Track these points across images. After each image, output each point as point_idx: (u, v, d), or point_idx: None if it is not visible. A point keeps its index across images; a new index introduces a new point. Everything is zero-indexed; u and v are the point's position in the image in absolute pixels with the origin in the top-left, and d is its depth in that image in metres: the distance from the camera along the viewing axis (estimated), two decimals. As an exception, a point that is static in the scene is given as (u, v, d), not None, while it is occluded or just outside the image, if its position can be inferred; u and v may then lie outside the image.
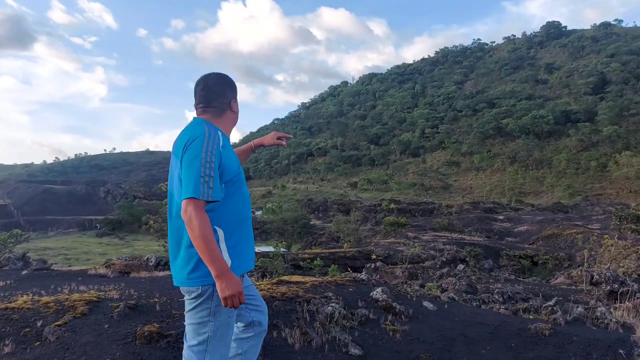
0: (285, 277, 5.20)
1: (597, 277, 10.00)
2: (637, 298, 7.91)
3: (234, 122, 2.50)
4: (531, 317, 5.74)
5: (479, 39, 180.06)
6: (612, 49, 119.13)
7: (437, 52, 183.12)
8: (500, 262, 23.69)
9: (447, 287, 11.21)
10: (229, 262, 2.29)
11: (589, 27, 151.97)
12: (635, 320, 5.58)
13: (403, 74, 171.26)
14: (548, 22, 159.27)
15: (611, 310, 6.09)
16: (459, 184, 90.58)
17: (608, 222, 28.34)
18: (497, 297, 8.86)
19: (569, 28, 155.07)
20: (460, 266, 19.37)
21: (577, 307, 5.81)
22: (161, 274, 6.41)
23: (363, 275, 5.30)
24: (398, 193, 79.05)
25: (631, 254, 15.94)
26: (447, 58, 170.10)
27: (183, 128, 2.41)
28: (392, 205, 53.37)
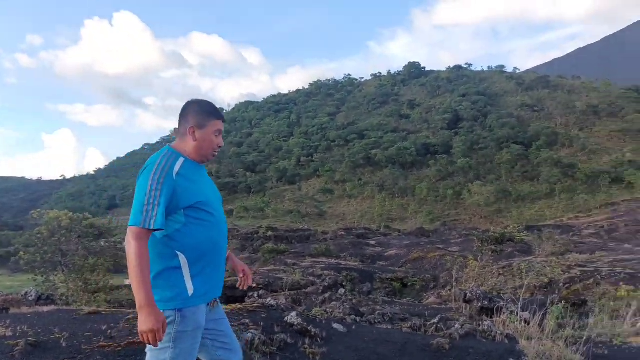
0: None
1: (470, 294, 10.95)
2: (505, 313, 8.85)
3: (197, 149, 2.39)
4: (431, 333, 6.15)
5: (349, 74, 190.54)
6: (464, 90, 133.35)
7: (311, 84, 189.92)
8: (374, 285, 24.83)
9: (333, 311, 11.49)
10: (191, 289, 2.26)
11: (444, 69, 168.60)
12: (513, 332, 6.24)
13: (279, 103, 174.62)
14: (409, 63, 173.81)
15: (468, 318, 6.74)
16: (333, 211, 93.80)
17: (465, 245, 31.22)
18: (380, 318, 9.27)
19: (427, 69, 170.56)
20: (342, 290, 19.92)
21: (465, 323, 6.35)
22: (46, 308, 5.78)
23: (271, 301, 5.30)
24: (275, 220, 79.52)
25: (491, 272, 17.68)
26: (320, 90, 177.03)
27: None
28: (270, 233, 53.42)
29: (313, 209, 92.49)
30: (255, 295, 17.72)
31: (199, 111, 2.40)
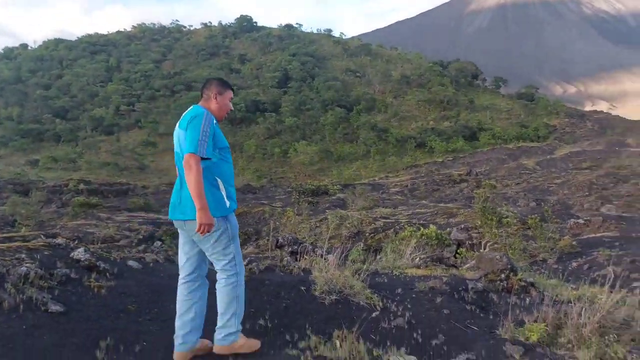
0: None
1: (281, 240, 11.50)
2: (311, 254, 9.49)
3: (218, 109, 3.55)
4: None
5: (177, 20, 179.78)
6: (294, 49, 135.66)
7: (134, 27, 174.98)
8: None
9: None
10: (227, 203, 3.40)
11: (276, 27, 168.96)
12: (312, 267, 6.67)
13: (96, 44, 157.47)
14: (241, 16, 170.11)
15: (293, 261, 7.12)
16: (156, 165, 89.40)
17: (288, 200, 32.54)
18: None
19: (259, 24, 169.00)
20: (158, 243, 19.31)
21: (267, 259, 6.61)
22: None
23: (60, 240, 4.84)
24: (89, 173, 72.87)
25: (308, 223, 18.72)
26: (144, 34, 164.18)
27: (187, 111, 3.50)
28: (82, 186, 48.96)
29: (133, 162, 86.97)
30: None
31: (219, 83, 3.60)
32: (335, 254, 9.13)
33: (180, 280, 3.56)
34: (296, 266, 6.18)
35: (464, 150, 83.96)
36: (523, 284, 6.03)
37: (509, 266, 6.26)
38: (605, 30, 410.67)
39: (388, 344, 4.15)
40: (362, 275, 5.63)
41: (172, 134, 3.59)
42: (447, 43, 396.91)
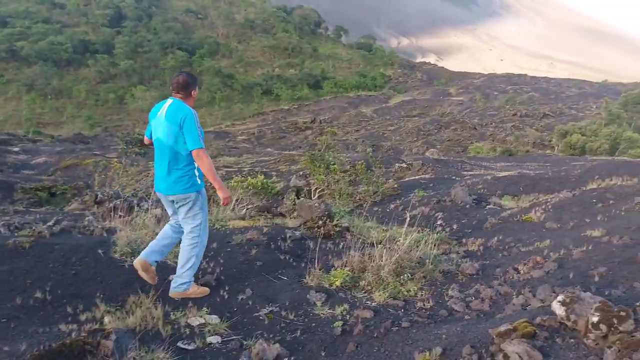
0: None
1: (101, 196, 10.52)
2: (137, 210, 8.82)
3: (193, 102, 4.30)
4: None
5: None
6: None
7: None
8: (16, 196, 21.83)
9: None
10: (199, 182, 4.21)
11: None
12: (123, 225, 6.10)
13: None
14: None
15: (99, 219, 6.49)
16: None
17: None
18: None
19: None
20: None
21: (66, 219, 5.90)
22: None
23: None
24: None
25: (138, 174, 17.55)
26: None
27: (168, 104, 4.16)
28: None
29: None
30: None
31: (195, 81, 4.30)
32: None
33: (170, 222, 4.43)
34: (98, 226, 5.60)
35: (308, 98, 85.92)
36: (339, 229, 6.22)
37: (326, 213, 6.40)
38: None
39: (190, 304, 3.93)
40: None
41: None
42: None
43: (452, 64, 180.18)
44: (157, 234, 5.19)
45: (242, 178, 8.84)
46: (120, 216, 7.41)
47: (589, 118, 45.83)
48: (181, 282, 4.15)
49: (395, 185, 12.75)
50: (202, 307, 3.89)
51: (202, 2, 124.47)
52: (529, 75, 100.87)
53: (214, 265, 4.76)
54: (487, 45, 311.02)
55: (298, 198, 14.71)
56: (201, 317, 3.74)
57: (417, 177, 14.62)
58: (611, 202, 6.70)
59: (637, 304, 2.37)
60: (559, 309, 2.40)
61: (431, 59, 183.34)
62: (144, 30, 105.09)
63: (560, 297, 2.45)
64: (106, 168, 21.17)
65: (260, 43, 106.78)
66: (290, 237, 5.83)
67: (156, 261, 4.28)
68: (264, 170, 25.51)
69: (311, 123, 63.72)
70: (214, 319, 3.74)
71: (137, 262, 4.15)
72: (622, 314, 2.16)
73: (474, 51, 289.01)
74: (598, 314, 2.19)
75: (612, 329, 2.14)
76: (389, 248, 4.90)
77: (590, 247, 4.66)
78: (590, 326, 2.19)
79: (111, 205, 10.33)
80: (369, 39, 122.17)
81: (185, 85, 4.19)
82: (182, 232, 4.34)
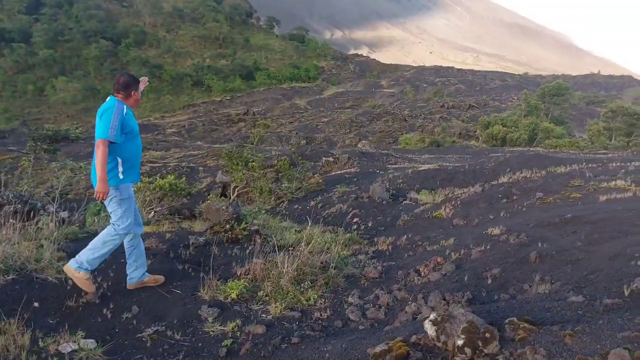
0: None
1: (1, 199, 9.69)
2: (42, 214, 8.15)
3: (135, 102, 4.43)
4: None
5: None
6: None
7: None
8: None
9: None
10: (121, 177, 4.24)
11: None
12: (13, 233, 5.55)
13: None
14: None
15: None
16: None
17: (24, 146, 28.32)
18: None
19: None
20: None
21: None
22: None
23: None
24: None
25: (50, 173, 16.49)
26: None
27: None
28: None
29: None
30: None
31: (136, 82, 4.43)
32: (76, 210, 8.04)
33: None
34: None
35: (241, 89, 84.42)
36: (247, 232, 5.98)
37: (234, 215, 6.14)
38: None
39: (67, 327, 3.57)
40: (59, 242, 4.87)
41: None
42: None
43: (384, 57, 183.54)
44: (46, 244, 4.81)
45: (150, 179, 8.38)
46: (12, 224, 6.82)
47: (511, 109, 48.13)
48: (77, 264, 4.12)
49: (320, 181, 12.65)
50: (77, 330, 3.54)
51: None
52: (456, 67, 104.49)
53: (102, 280, 4.39)
54: (416, 38, 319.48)
55: (224, 194, 14.33)
56: (75, 342, 3.40)
57: (342, 172, 14.62)
58: (515, 197, 6.89)
59: (506, 320, 2.31)
60: (430, 329, 2.31)
61: (363, 52, 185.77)
62: (64, 18, 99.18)
63: (432, 316, 2.35)
64: (16, 166, 19.70)
65: (189, 33, 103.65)
66: (193, 243, 5.53)
67: (144, 274, 4.47)
68: (191, 165, 24.75)
69: (244, 115, 62.76)
70: (90, 343, 3.41)
71: (132, 287, 4.40)
72: (487, 335, 2.08)
73: (404, 44, 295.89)
74: (464, 336, 2.11)
75: (477, 351, 2.06)
76: (292, 253, 4.73)
77: (488, 247, 4.71)
78: (456, 349, 2.10)
79: (11, 209, 9.58)
80: (301, 31, 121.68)
81: (125, 85, 4.32)
82: (138, 233, 4.51)
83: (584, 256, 3.79)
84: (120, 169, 4.20)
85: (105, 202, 4.26)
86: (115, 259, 4.92)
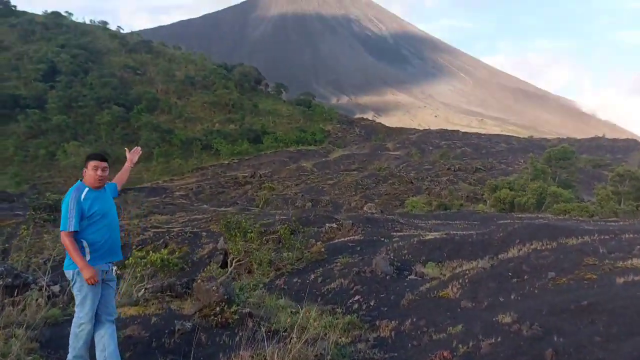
0: None
1: (-9, 272, 9.34)
2: (33, 289, 7.81)
3: (92, 180, 4.28)
4: None
5: None
6: (63, 40, 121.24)
7: None
8: None
9: None
10: (88, 258, 4.10)
11: (40, 13, 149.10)
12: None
13: None
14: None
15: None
16: None
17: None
18: None
19: (19, 8, 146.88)
20: None
21: None
22: None
23: None
24: None
25: (48, 242, 16.22)
26: None
27: None
28: None
29: None
30: None
31: (87, 159, 4.38)
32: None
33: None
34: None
35: (249, 152, 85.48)
36: (238, 316, 5.58)
37: (225, 297, 5.76)
38: (370, 47, 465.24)
39: None
40: (36, 329, 4.52)
41: None
42: (231, 47, 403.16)
43: (389, 120, 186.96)
44: (20, 333, 4.48)
45: (142, 254, 8.08)
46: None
47: (517, 172, 48.06)
48: None
49: (322, 249, 12.25)
50: None
51: (141, 59, 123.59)
52: (462, 131, 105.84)
53: (73, 377, 3.99)
54: (421, 103, 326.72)
55: (225, 262, 13.91)
56: None
57: (346, 239, 14.22)
58: (525, 277, 6.48)
59: None
60: None
61: (369, 116, 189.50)
62: (79, 85, 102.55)
63: None
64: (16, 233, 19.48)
65: (200, 99, 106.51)
66: (179, 330, 5.13)
67: None
68: (195, 230, 24.40)
69: (251, 178, 63.09)
70: None
71: None
72: None
73: (410, 108, 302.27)
74: None
75: None
76: (284, 342, 4.33)
77: (499, 339, 4.28)
78: None
79: (2, 283, 9.21)
80: (308, 96, 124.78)
81: (83, 167, 4.42)
82: (106, 320, 4.30)
83: (605, 356, 3.37)
84: (87, 251, 4.14)
85: (70, 286, 4.22)
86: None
